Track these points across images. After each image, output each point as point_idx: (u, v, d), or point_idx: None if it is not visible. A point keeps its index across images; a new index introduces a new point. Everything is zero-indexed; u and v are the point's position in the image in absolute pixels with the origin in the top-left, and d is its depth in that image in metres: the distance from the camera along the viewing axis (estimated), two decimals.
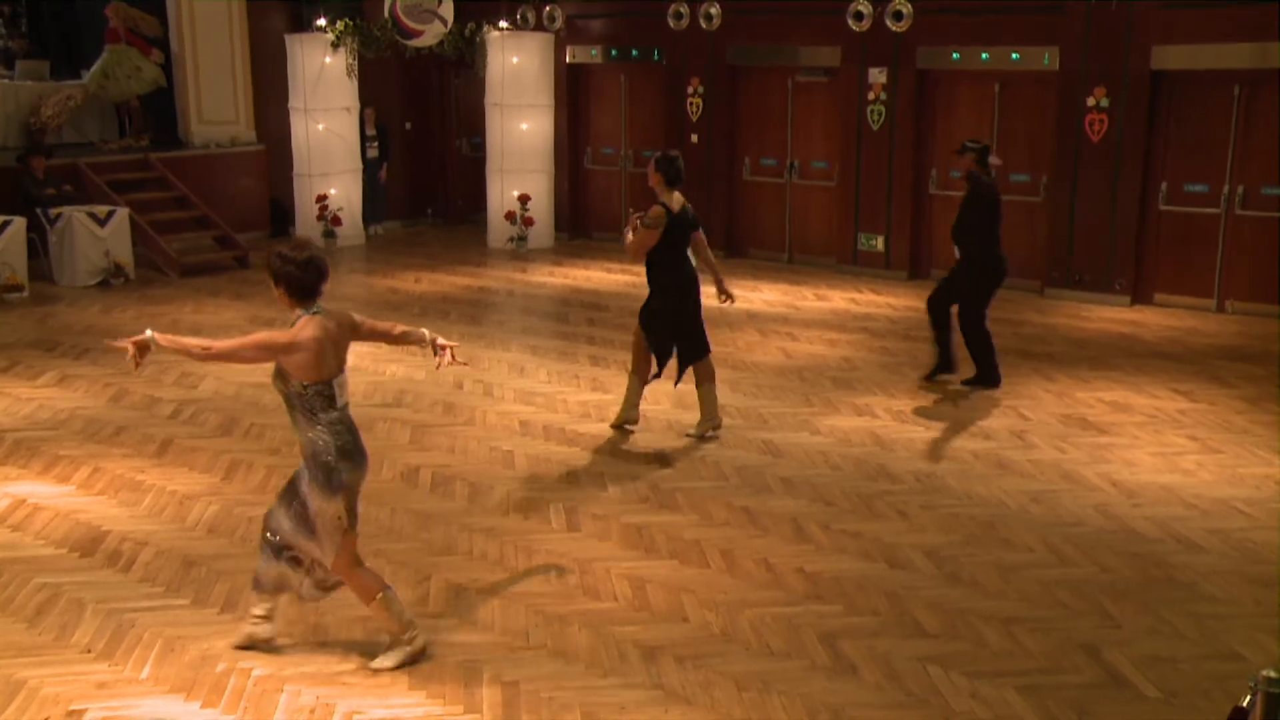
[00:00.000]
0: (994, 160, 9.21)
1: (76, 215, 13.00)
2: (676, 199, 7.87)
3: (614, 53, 15.83)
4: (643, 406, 8.96)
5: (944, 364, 9.66)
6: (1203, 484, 7.52)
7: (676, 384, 8.42)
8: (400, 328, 5.56)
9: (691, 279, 8.05)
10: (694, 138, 15.20)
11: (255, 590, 5.36)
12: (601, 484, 7.46)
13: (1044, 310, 12.40)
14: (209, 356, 5.13)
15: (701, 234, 8.17)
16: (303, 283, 5.00)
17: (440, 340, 5.48)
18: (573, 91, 16.30)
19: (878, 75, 13.67)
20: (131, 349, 4.90)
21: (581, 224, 16.60)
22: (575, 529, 6.78)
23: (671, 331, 8.08)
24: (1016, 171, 13.22)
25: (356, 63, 15.36)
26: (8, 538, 6.54)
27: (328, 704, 4.94)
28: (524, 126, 15.53)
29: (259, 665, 5.22)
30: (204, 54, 15.87)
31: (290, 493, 5.19)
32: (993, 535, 6.72)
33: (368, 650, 5.35)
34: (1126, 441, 8.31)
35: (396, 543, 6.55)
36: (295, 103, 15.51)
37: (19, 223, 12.53)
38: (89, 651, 5.34)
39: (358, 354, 10.33)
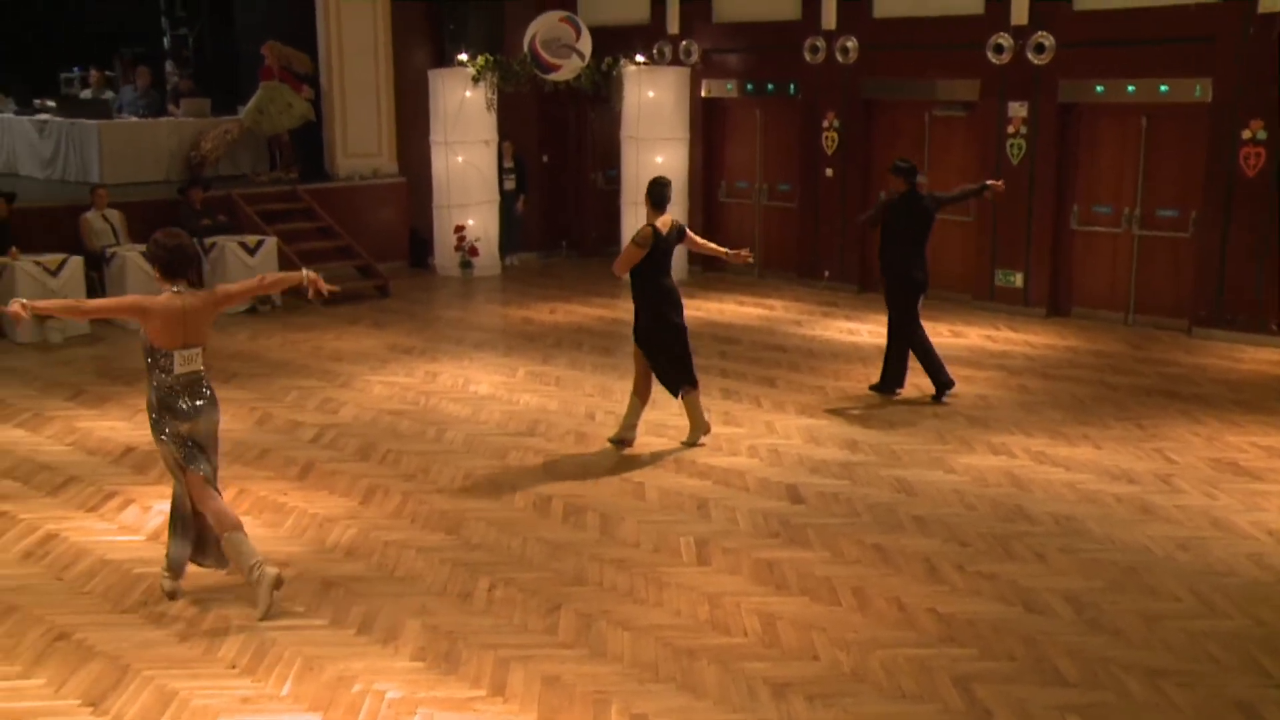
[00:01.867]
0: (921, 180, 10.05)
1: (229, 244, 13.52)
2: (665, 221, 8.50)
3: (749, 87, 15.88)
4: (773, 442, 8.95)
5: (893, 382, 10.24)
6: None
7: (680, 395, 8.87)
8: (269, 277, 6.78)
9: (671, 292, 8.63)
10: (829, 172, 15.13)
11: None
12: (732, 518, 7.44)
13: (1192, 350, 11.99)
14: (84, 313, 6.11)
15: (689, 234, 8.90)
16: (169, 264, 6.00)
17: (309, 274, 6.37)
18: (708, 125, 16.38)
19: (1018, 109, 13.43)
20: (11, 313, 5.86)
21: (715, 258, 16.58)
22: (705, 562, 6.77)
23: (668, 347, 8.60)
24: (1164, 207, 12.85)
25: (496, 97, 15.70)
26: (161, 554, 6.77)
27: None
28: (659, 160, 15.63)
29: (393, 688, 5.33)
30: (351, 90, 16.40)
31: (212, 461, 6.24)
32: (1136, 582, 6.50)
33: (499, 678, 5.41)
34: None
35: (527, 571, 6.62)
36: (436, 136, 15.89)
37: None
38: (234, 667, 5.52)
39: (492, 384, 10.55)
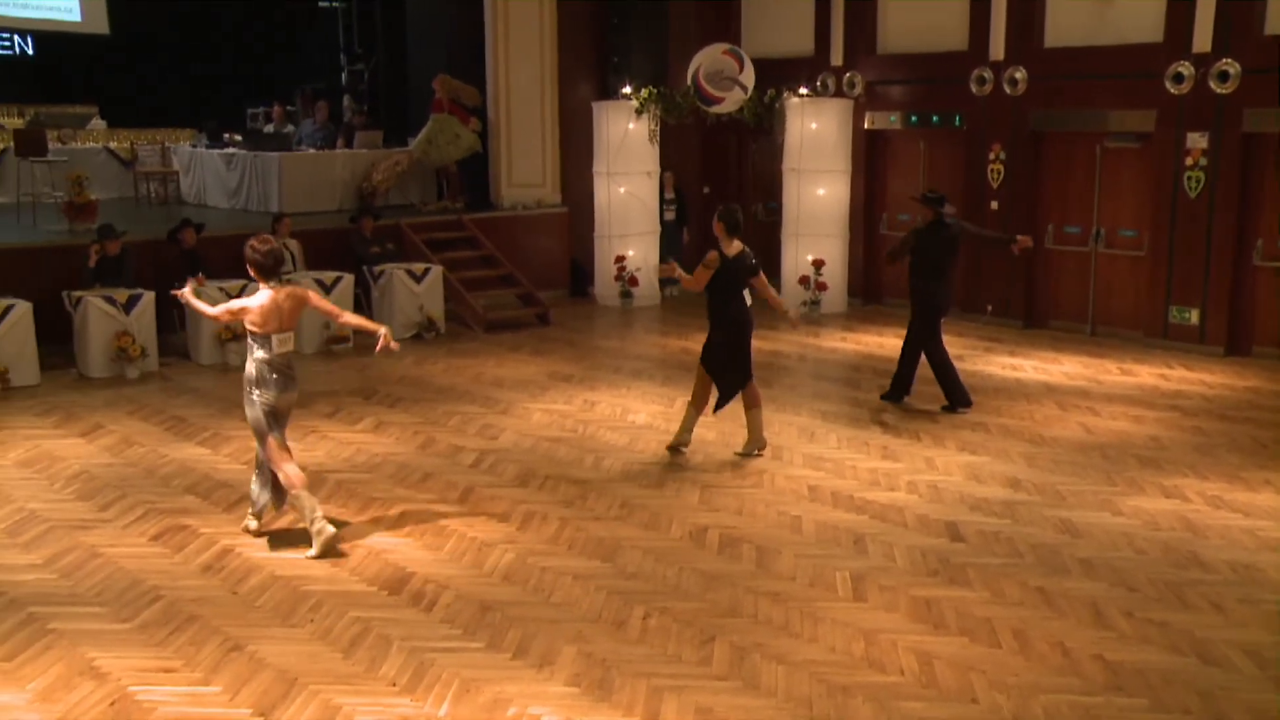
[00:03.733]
0: (949, 209, 10.61)
1: (396, 272, 13.94)
2: (735, 246, 8.96)
3: (914, 119, 15.69)
4: (933, 478, 8.79)
5: (900, 390, 10.87)
6: None
7: (716, 411, 9.44)
8: (350, 317, 7.90)
9: (742, 319, 9.07)
10: (994, 204, 14.83)
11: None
12: (890, 554, 7.32)
13: None
14: (212, 318, 7.51)
15: (761, 276, 9.22)
16: (263, 265, 7.23)
17: (384, 330, 7.51)
18: (870, 157, 16.24)
19: (1197, 140, 12.95)
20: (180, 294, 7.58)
21: (875, 290, 16.45)
22: (862, 598, 6.67)
23: (728, 364, 9.10)
24: None
25: (658, 128, 15.86)
26: (329, 572, 7.02)
27: None
28: (820, 192, 15.58)
29: (548, 713, 5.39)
30: (517, 122, 16.78)
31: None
32: None
33: (652, 707, 5.42)
34: None
35: (682, 601, 6.62)
36: (599, 167, 16.13)
37: (348, 279, 13.56)
38: (394, 685, 5.65)
39: (650, 413, 10.62)
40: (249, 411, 7.33)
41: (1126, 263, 13.98)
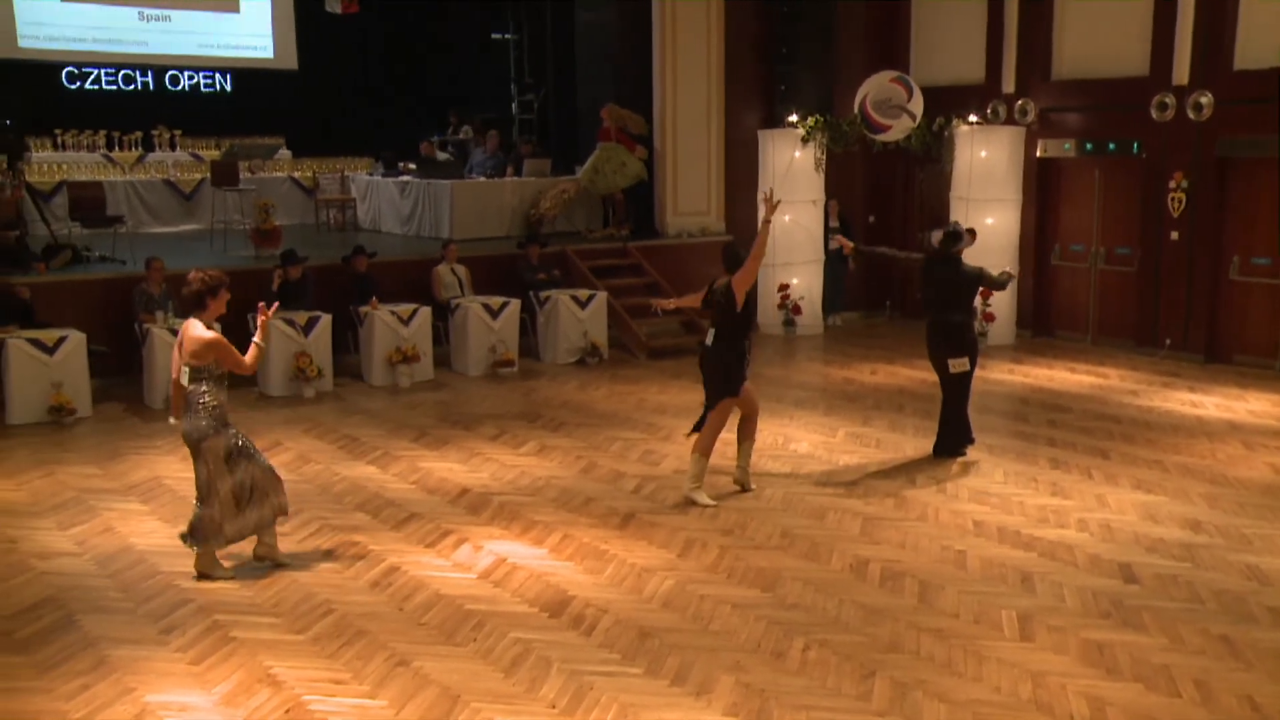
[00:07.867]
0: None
1: (562, 298, 14.16)
2: (720, 280, 8.87)
3: (1089, 146, 15.24)
4: (1105, 516, 8.49)
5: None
6: None
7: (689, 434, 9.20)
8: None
9: (721, 346, 8.85)
10: (1174, 235, 14.29)
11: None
12: (1059, 594, 7.08)
13: None
14: (245, 370, 7.31)
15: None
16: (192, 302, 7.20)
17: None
18: (1042, 186, 15.83)
19: None
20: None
21: (1045, 322, 16.00)
22: (1029, 639, 6.47)
23: (711, 392, 8.96)
24: None
25: (824, 157, 15.76)
26: (490, 592, 7.15)
27: None
28: (989, 221, 15.24)
29: None
30: (683, 150, 16.90)
31: (198, 468, 7.30)
32: None
33: None
34: None
35: (842, 634, 6.53)
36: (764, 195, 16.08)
37: (514, 304, 13.84)
38: (553, 707, 5.71)
39: (811, 443, 10.53)
40: (213, 442, 7.20)
41: None
